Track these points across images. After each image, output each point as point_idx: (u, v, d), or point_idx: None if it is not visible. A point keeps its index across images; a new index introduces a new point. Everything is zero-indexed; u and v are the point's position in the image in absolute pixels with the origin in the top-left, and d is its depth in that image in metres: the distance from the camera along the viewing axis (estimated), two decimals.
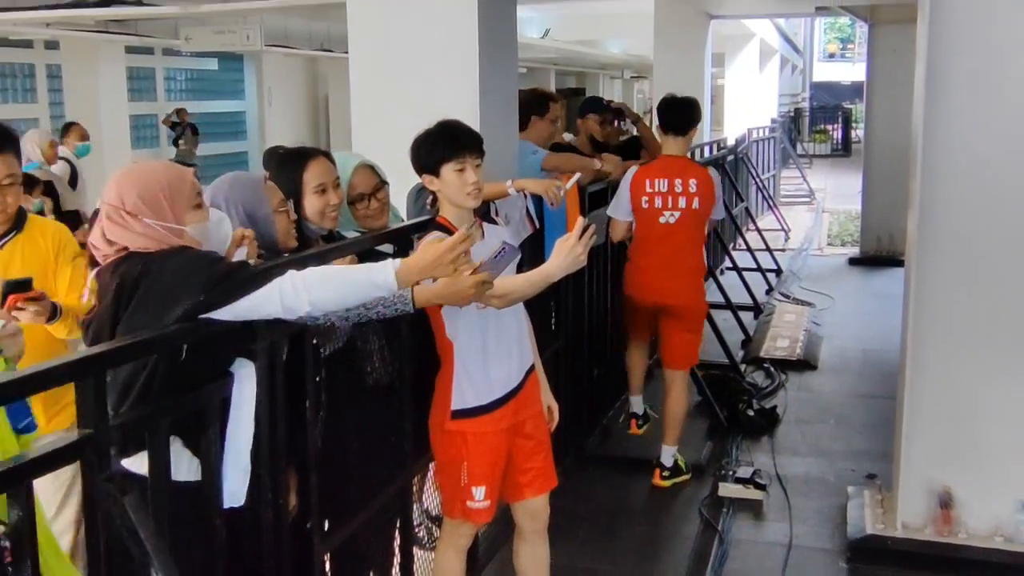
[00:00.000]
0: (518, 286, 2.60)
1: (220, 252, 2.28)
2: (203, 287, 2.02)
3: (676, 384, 4.60)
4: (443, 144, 2.75)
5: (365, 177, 3.08)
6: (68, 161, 7.93)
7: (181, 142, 13.98)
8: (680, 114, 4.53)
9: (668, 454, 4.65)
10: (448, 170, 2.75)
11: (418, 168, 2.83)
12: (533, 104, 4.61)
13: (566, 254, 2.47)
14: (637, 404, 5.04)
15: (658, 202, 4.47)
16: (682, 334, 4.58)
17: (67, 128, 8.41)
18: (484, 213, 3.16)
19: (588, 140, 5.45)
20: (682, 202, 4.45)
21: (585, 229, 2.45)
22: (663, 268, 4.51)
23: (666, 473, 4.64)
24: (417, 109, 3.70)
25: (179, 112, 13.21)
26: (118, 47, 13.08)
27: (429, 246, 2.24)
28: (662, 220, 4.46)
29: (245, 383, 2.17)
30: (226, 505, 2.15)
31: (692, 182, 4.45)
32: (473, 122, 3.46)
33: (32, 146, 7.36)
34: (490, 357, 2.82)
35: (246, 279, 2.08)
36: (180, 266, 2.07)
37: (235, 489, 2.16)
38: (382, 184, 3.12)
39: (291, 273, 2.12)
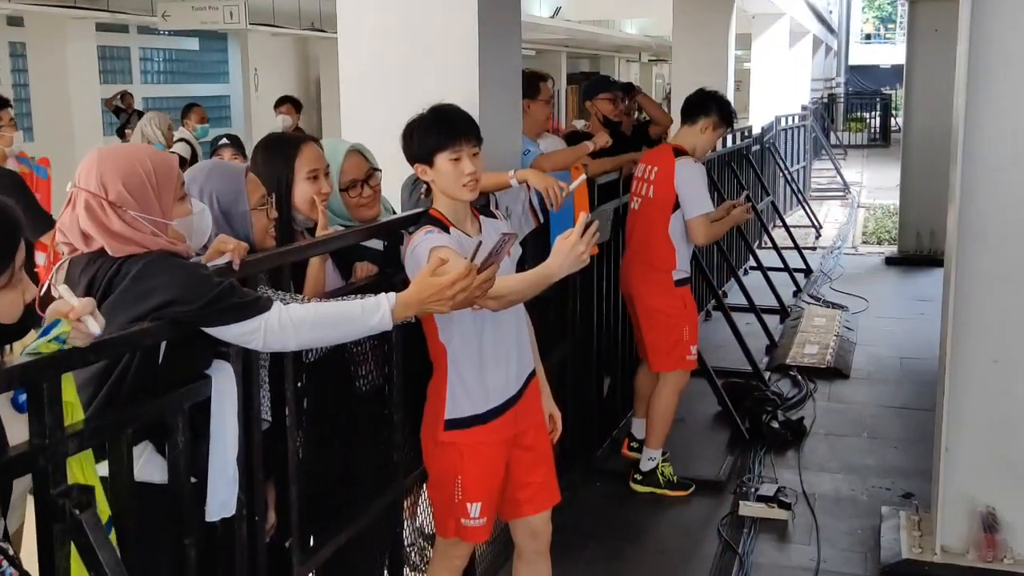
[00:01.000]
0: (515, 287, 2.59)
1: (199, 245, 2.29)
2: (198, 297, 2.03)
3: (660, 384, 4.70)
4: (437, 131, 2.75)
5: (356, 162, 3.08)
6: (188, 143, 8.38)
7: (128, 131, 13.94)
8: (687, 103, 4.71)
9: (647, 457, 4.70)
10: (443, 159, 2.76)
11: (410, 157, 2.83)
12: (528, 77, 4.62)
13: (567, 253, 2.46)
14: (638, 427, 5.06)
15: (634, 186, 4.70)
16: (643, 330, 4.69)
17: (188, 110, 8.95)
18: (483, 206, 3.16)
19: (602, 122, 5.46)
20: (643, 188, 4.63)
21: (588, 226, 2.44)
22: (629, 257, 4.75)
23: (639, 477, 4.69)
24: (411, 94, 3.69)
25: (123, 96, 13.12)
26: (88, 24, 13.11)
27: (428, 281, 2.25)
28: (632, 206, 4.69)
29: (225, 384, 2.18)
30: (215, 517, 2.17)
31: (654, 169, 4.59)
32: (472, 108, 3.45)
33: (152, 128, 7.95)
34: (487, 362, 2.82)
35: (237, 306, 2.09)
36: (168, 272, 2.05)
37: (224, 499, 2.17)
38: (374, 170, 3.13)
39: (278, 308, 2.14)
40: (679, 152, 4.56)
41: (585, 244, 2.45)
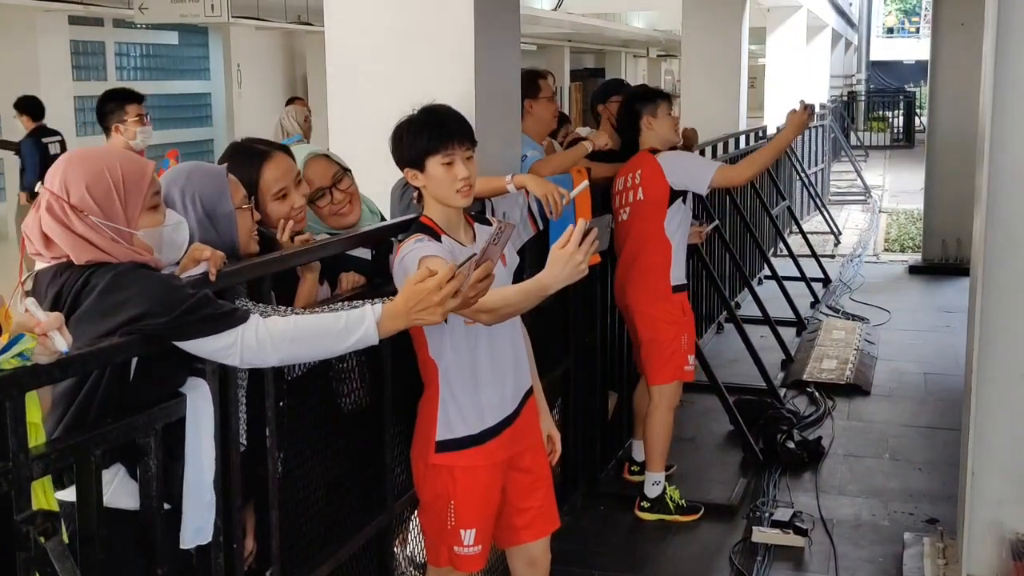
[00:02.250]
0: (510, 299, 2.57)
1: (175, 258, 2.28)
2: (169, 309, 2.03)
3: (653, 401, 4.72)
4: (428, 133, 2.75)
5: (319, 168, 3.07)
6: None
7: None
8: (618, 124, 4.87)
9: (651, 481, 4.70)
10: (434, 164, 2.76)
11: (399, 161, 2.84)
12: (527, 76, 4.62)
13: (564, 262, 2.44)
14: (638, 449, 5.07)
15: (617, 200, 4.76)
16: (640, 341, 4.73)
17: (290, 103, 9.41)
18: (478, 213, 3.16)
19: (615, 127, 5.42)
20: (630, 196, 4.70)
21: (586, 234, 2.43)
22: (622, 269, 4.79)
23: (646, 504, 4.69)
24: (403, 91, 3.69)
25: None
26: (60, 17, 13.13)
27: (414, 288, 2.22)
28: (620, 218, 4.74)
29: (200, 403, 2.17)
30: (190, 545, 2.17)
31: (637, 173, 4.67)
32: (467, 108, 3.46)
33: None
34: (481, 379, 2.81)
35: (211, 317, 2.09)
36: (138, 284, 2.05)
37: (200, 525, 2.17)
38: (343, 172, 3.12)
39: (256, 322, 2.14)
40: (654, 151, 4.66)
41: (583, 253, 2.43)
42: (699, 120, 9.51)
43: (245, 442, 2.41)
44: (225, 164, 2.70)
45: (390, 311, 2.23)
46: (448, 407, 2.82)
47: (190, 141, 16.47)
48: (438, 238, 2.77)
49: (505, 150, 4.08)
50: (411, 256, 2.67)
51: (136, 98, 5.50)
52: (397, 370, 2.95)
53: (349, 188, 3.12)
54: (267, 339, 2.13)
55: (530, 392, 2.98)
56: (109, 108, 5.44)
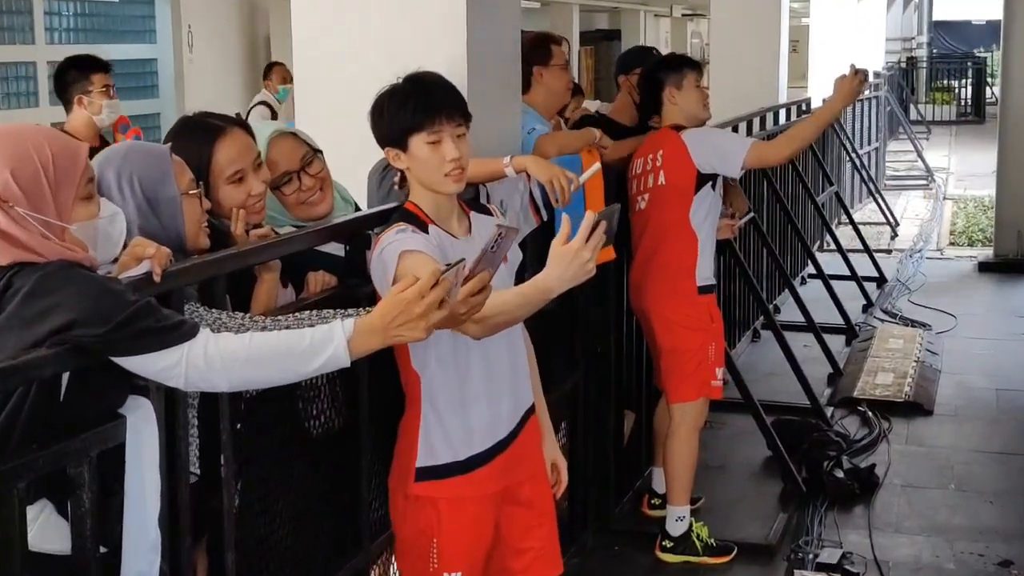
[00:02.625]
0: (504, 306, 2.54)
1: (110, 257, 2.28)
2: (105, 319, 2.02)
3: (674, 421, 4.72)
4: (412, 106, 2.75)
5: (286, 149, 3.08)
6: (268, 105, 8.96)
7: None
8: (641, 90, 4.92)
9: (674, 517, 4.71)
10: (418, 142, 2.76)
11: (380, 139, 2.84)
12: (528, 54, 4.62)
13: (568, 261, 2.42)
14: (659, 479, 5.07)
15: (634, 186, 4.77)
16: (660, 351, 4.74)
17: (270, 69, 9.76)
18: (473, 199, 3.16)
19: (637, 103, 5.40)
20: (649, 180, 4.71)
21: (595, 227, 2.42)
22: (639, 266, 4.81)
23: (668, 544, 4.70)
24: (382, 58, 3.71)
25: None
26: None
27: (393, 299, 2.18)
28: (637, 207, 4.76)
29: (143, 426, 2.17)
30: None
31: (659, 154, 4.68)
32: (458, 76, 3.46)
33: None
34: (471, 395, 2.82)
35: (153, 331, 2.07)
36: (69, 287, 2.04)
37: (143, 570, 2.16)
38: (313, 154, 3.12)
39: (205, 338, 2.12)
40: (679, 128, 4.67)
41: (591, 249, 2.41)
42: (731, 92, 9.54)
43: (198, 471, 2.41)
44: (169, 143, 2.70)
45: (364, 327, 2.19)
46: (431, 428, 2.82)
47: (133, 115, 16.42)
48: (424, 228, 2.76)
49: (502, 126, 4.08)
50: (390, 249, 2.66)
51: (102, 66, 5.51)
52: (376, 385, 2.96)
53: (320, 173, 3.12)
54: (217, 359, 2.12)
55: (531, 411, 2.98)
56: (71, 77, 5.44)
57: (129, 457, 2.15)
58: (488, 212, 3.04)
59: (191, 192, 2.58)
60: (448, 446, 2.82)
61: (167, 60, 17.50)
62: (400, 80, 2.81)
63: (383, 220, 2.92)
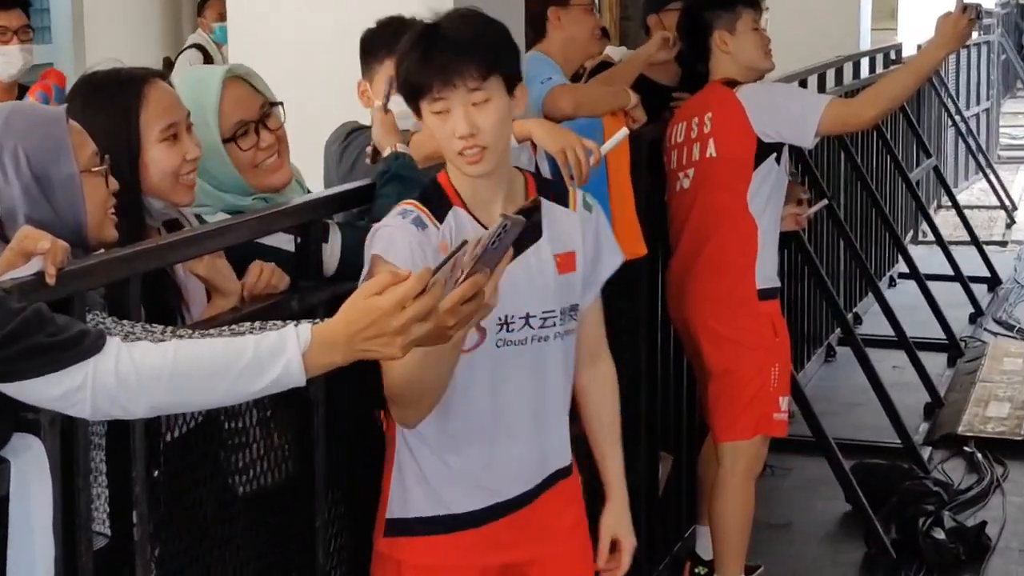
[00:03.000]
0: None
1: None
2: None
3: (726, 465, 4.70)
4: (413, 58, 2.76)
5: (243, 95, 3.13)
6: (202, 49, 9.40)
7: None
8: (682, 30, 4.96)
9: None
10: (425, 109, 2.78)
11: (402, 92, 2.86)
12: None
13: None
14: (703, 540, 5.06)
15: (675, 159, 4.77)
16: (707, 375, 4.76)
17: (204, 2, 10.02)
18: (551, 181, 3.14)
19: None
20: (695, 151, 4.70)
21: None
22: (679, 265, 4.83)
23: None
24: (342, 4, 3.74)
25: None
26: None
27: (363, 304, 2.16)
28: (678, 187, 4.78)
29: (33, 475, 2.17)
30: None
31: (708, 117, 4.68)
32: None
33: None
34: (464, 433, 2.83)
35: (46, 349, 2.06)
36: None
37: None
38: (271, 105, 3.17)
39: (116, 350, 2.11)
40: (732, 83, 4.68)
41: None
42: (798, 35, 9.52)
43: (108, 531, 2.41)
44: (64, 106, 2.71)
45: (324, 337, 2.17)
46: (404, 469, 2.85)
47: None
48: (444, 211, 2.79)
49: None
50: (380, 236, 2.74)
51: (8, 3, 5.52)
52: (345, 423, 2.97)
53: (279, 130, 3.17)
54: (131, 377, 2.10)
55: (563, 473, 2.97)
56: None
57: (14, 514, 2.14)
58: (562, 197, 3.00)
59: (94, 169, 2.58)
60: (424, 496, 2.85)
61: (63, 2, 17.56)
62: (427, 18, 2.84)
63: (346, 204, 2.93)
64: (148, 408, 2.16)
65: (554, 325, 2.87)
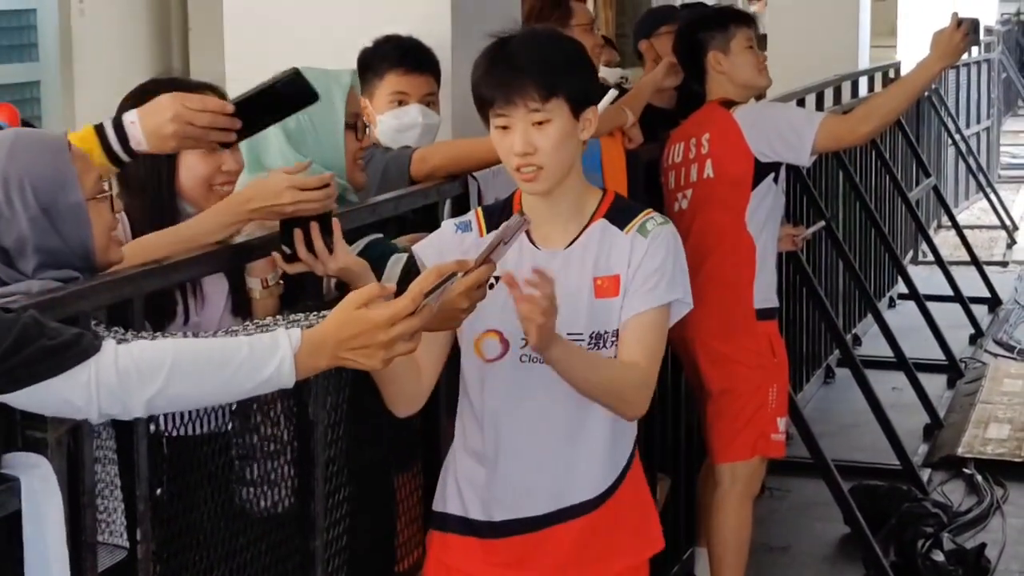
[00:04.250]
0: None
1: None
2: None
3: (724, 487, 4.73)
4: (481, 72, 2.84)
5: (353, 97, 3.39)
6: None
7: None
8: (678, 50, 4.99)
9: None
10: (492, 122, 2.85)
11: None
12: (544, 11, 4.67)
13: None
14: (703, 563, 5.07)
15: (672, 180, 4.81)
16: (700, 393, 4.79)
17: None
18: (621, 208, 3.02)
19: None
20: (692, 172, 4.74)
21: None
22: None
23: None
24: (340, 13, 3.76)
25: None
26: None
27: (353, 315, 2.26)
28: (676, 208, 4.80)
29: (42, 494, 2.18)
30: None
31: (705, 138, 4.71)
32: (440, 39, 3.55)
33: None
34: (478, 440, 2.92)
35: (47, 353, 2.09)
36: None
37: None
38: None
39: (113, 347, 2.15)
40: (729, 103, 4.71)
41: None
42: (795, 54, 9.54)
43: (126, 543, 2.45)
44: (67, 133, 2.76)
45: (314, 341, 2.25)
46: (450, 462, 3.00)
47: (4, 84, 16.39)
48: (496, 222, 2.80)
49: None
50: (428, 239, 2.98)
51: None
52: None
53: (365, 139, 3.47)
54: (132, 371, 2.13)
55: (590, 506, 2.95)
56: None
57: (28, 532, 2.16)
58: (624, 221, 2.95)
59: (99, 196, 2.61)
60: (455, 494, 2.95)
61: (50, 13, 17.45)
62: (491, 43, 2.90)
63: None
64: (144, 404, 2.17)
65: None
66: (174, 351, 2.19)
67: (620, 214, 2.94)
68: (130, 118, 2.80)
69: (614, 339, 2.87)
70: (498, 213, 2.88)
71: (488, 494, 2.92)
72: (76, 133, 2.81)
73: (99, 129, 2.82)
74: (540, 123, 2.77)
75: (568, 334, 2.76)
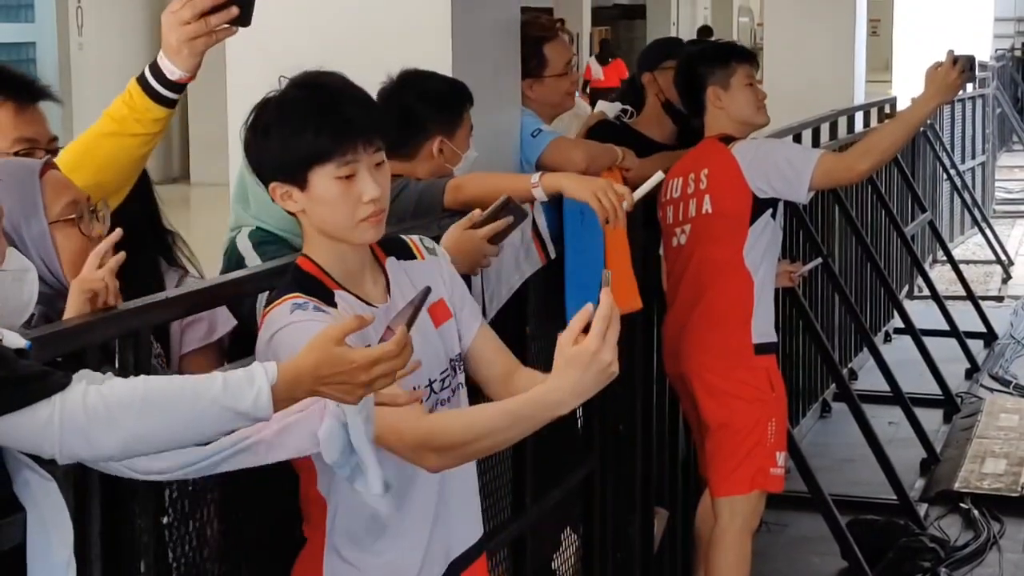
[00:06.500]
0: (488, 426, 2.54)
1: (14, 324, 2.32)
2: None
3: (723, 522, 4.73)
4: (315, 126, 2.61)
5: None
6: None
7: None
8: (678, 85, 5.04)
9: None
10: (324, 177, 2.63)
11: (260, 168, 2.73)
12: (524, 40, 4.70)
13: (586, 366, 2.36)
14: None
15: (670, 215, 4.86)
16: (698, 428, 4.80)
17: None
18: (391, 238, 2.92)
19: (663, 105, 5.46)
20: (691, 207, 4.77)
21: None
22: (675, 319, 4.91)
23: None
24: (343, 35, 3.79)
25: None
26: None
27: (333, 352, 2.19)
28: (674, 243, 4.84)
29: (52, 528, 2.18)
30: None
31: (703, 173, 4.75)
32: (440, 54, 3.58)
33: None
34: (393, 529, 2.71)
35: (12, 381, 2.05)
36: None
37: None
38: None
39: (83, 384, 2.09)
40: (728, 139, 4.75)
41: (611, 348, 2.34)
42: (792, 89, 9.59)
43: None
44: (44, 158, 2.78)
45: (290, 375, 2.19)
46: (336, 570, 2.73)
47: None
48: (329, 297, 2.66)
49: (496, 128, 4.20)
50: (292, 336, 2.51)
51: None
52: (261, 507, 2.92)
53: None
54: (100, 409, 2.07)
55: (478, 552, 2.92)
56: None
57: (33, 570, 2.16)
58: (409, 253, 2.89)
59: (66, 218, 2.62)
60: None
61: (49, 44, 17.53)
62: (285, 84, 2.69)
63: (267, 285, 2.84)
64: (117, 443, 2.11)
65: (449, 384, 2.80)
66: (146, 387, 2.13)
67: (392, 245, 2.86)
68: (160, 54, 2.92)
69: (461, 362, 2.85)
70: (313, 286, 2.66)
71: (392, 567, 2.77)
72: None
73: (140, 77, 2.96)
74: (378, 165, 2.67)
75: (440, 373, 2.76)
